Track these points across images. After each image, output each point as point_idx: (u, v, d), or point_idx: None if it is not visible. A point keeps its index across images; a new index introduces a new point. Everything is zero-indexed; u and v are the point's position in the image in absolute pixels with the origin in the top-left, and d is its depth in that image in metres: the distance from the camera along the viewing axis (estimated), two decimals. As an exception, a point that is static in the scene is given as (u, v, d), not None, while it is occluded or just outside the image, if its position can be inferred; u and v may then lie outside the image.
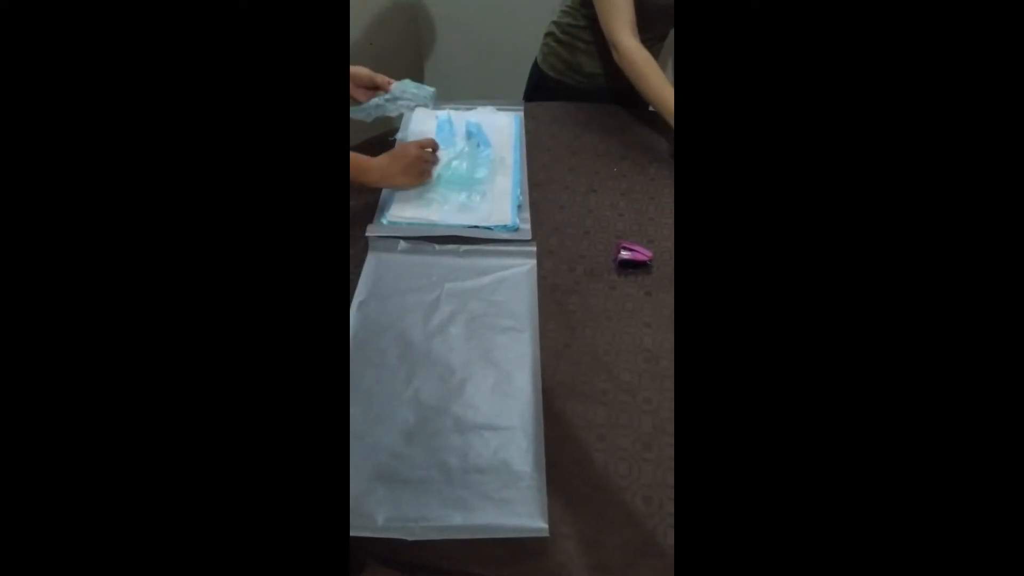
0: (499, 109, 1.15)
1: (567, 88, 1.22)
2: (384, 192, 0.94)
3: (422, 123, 1.10)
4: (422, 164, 0.92)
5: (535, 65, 1.28)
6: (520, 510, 0.59)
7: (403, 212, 0.91)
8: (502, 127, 1.10)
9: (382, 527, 0.58)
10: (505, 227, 0.89)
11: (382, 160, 0.90)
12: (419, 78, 1.67)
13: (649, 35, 1.07)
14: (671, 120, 0.99)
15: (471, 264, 0.85)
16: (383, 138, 1.08)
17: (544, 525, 0.57)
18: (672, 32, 1.17)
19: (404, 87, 1.08)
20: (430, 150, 0.94)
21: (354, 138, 0.94)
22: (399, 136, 1.08)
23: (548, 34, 1.24)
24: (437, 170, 0.96)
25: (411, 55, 1.79)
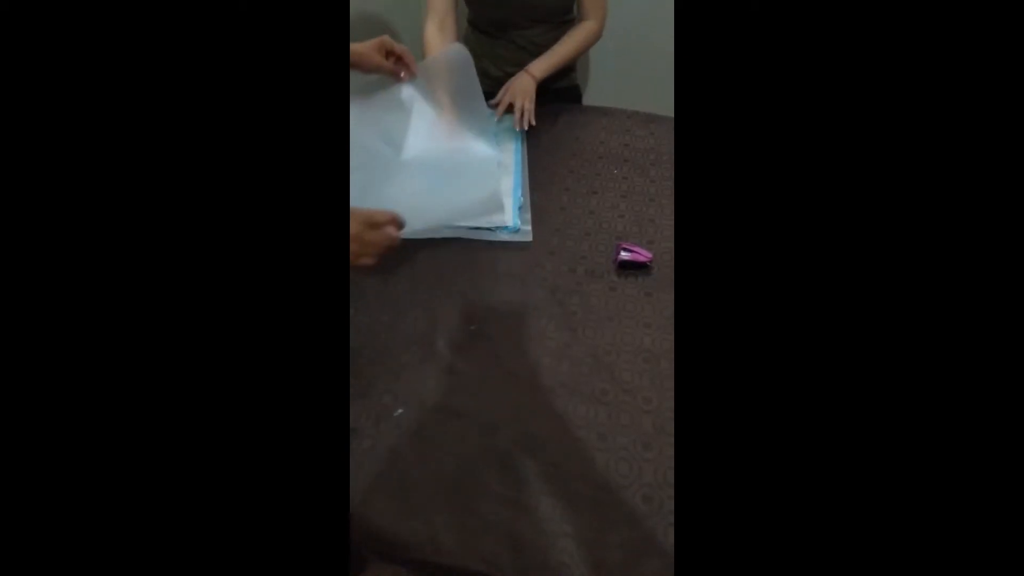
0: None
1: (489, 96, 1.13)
2: None
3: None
4: (360, 247, 0.70)
5: None
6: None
7: None
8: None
9: None
10: (506, 228, 0.90)
11: None
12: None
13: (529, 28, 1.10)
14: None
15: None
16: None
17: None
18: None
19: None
20: (382, 228, 0.70)
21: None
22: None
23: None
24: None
25: (410, 35, 1.72)
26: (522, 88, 1.02)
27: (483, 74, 1.20)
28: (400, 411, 0.68)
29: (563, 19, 1.15)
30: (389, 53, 0.92)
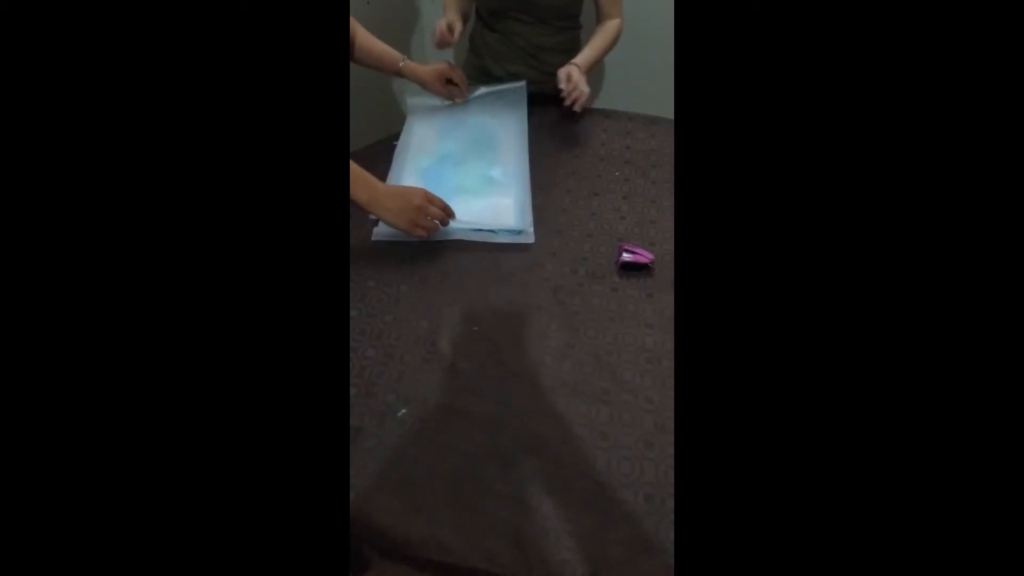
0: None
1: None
2: None
3: (424, 124, 1.11)
4: (419, 216, 0.84)
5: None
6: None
7: None
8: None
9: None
10: (509, 230, 0.90)
11: (384, 188, 0.85)
12: (418, 42, 1.63)
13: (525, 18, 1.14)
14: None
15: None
16: (386, 142, 1.09)
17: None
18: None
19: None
20: (439, 209, 0.85)
21: (356, 141, 0.95)
22: (401, 141, 1.08)
23: (468, 38, 1.26)
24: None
25: (409, 15, 1.72)
26: (578, 76, 1.06)
27: (485, 72, 1.23)
28: (403, 411, 0.69)
29: (565, 24, 1.17)
30: (448, 80, 1.10)
